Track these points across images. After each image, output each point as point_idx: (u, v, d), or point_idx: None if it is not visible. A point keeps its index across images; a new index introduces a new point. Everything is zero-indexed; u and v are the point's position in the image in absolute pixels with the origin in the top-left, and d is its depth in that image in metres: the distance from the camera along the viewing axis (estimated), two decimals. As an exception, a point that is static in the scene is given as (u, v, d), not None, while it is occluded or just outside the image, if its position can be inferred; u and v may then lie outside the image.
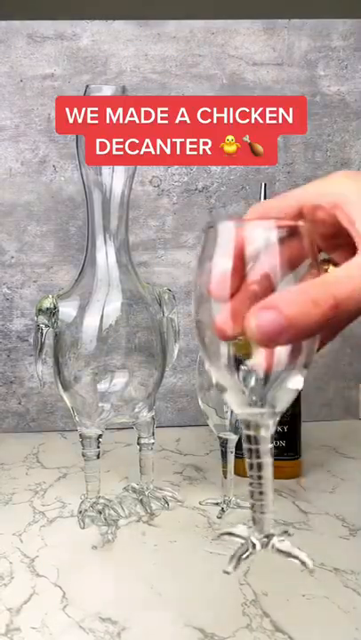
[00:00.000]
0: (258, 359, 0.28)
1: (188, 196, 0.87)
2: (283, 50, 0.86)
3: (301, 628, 0.39)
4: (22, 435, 0.85)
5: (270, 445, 0.32)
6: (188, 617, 0.40)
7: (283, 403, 0.30)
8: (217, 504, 0.58)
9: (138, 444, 0.60)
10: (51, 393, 0.86)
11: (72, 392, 0.55)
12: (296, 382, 0.28)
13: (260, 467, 0.32)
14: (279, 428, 0.63)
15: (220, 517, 0.55)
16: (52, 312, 0.54)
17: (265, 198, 0.67)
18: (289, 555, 0.32)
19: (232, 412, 0.55)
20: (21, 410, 0.87)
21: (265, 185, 0.66)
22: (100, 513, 0.55)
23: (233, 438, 0.56)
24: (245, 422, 0.30)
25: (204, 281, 0.28)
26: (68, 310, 0.54)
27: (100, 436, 0.57)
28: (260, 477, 0.32)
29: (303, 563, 0.31)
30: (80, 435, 0.56)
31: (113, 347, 0.54)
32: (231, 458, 0.57)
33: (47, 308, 0.55)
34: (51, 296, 0.55)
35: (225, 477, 0.57)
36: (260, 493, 0.32)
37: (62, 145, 0.85)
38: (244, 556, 0.32)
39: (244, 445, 0.31)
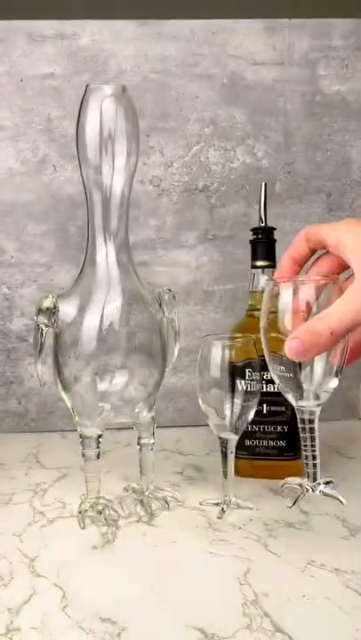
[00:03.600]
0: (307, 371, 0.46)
1: (188, 196, 0.87)
2: (283, 49, 0.86)
3: (302, 628, 0.39)
4: (22, 435, 0.85)
5: (317, 421, 0.47)
6: (189, 617, 0.40)
7: (325, 397, 0.47)
8: (217, 504, 0.57)
9: (138, 444, 0.60)
10: (50, 393, 0.86)
11: (72, 392, 0.55)
12: (333, 383, 0.46)
13: (312, 438, 0.48)
14: (279, 428, 0.63)
15: (220, 517, 0.55)
16: (52, 312, 0.54)
17: (265, 198, 0.67)
18: (330, 495, 0.47)
19: (232, 412, 0.55)
20: (21, 410, 0.87)
21: (265, 185, 0.66)
22: (101, 513, 0.55)
23: (233, 438, 0.56)
24: (304, 411, 0.47)
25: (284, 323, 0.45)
26: (68, 310, 0.54)
27: (99, 436, 0.56)
28: (313, 445, 0.48)
29: (341, 501, 0.47)
30: (80, 435, 0.56)
31: (113, 347, 0.53)
32: (231, 458, 0.57)
33: (47, 308, 0.54)
34: (51, 296, 0.55)
35: (225, 477, 0.57)
36: (313, 457, 0.48)
37: (62, 145, 0.85)
38: (302, 496, 0.48)
39: (300, 425, 0.48)
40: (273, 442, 0.64)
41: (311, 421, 0.47)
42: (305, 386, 0.46)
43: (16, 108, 0.84)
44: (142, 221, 0.86)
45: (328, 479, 0.48)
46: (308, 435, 0.47)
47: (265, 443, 0.64)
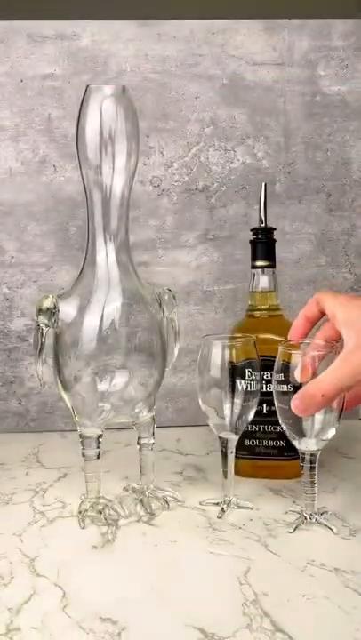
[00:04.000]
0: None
1: (188, 196, 0.87)
2: (283, 50, 0.86)
3: (301, 627, 0.39)
4: (22, 435, 0.85)
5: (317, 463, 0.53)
6: (189, 617, 0.40)
7: (323, 442, 0.53)
8: (217, 504, 0.57)
9: (138, 443, 0.60)
10: (51, 393, 0.86)
11: (72, 392, 0.55)
12: (331, 433, 0.52)
13: (312, 475, 0.53)
14: (279, 428, 0.63)
15: (220, 517, 0.55)
16: (53, 312, 0.54)
17: (265, 198, 0.67)
18: (324, 524, 0.53)
19: (232, 412, 0.55)
20: (21, 410, 0.87)
21: (265, 185, 0.66)
22: (101, 513, 0.55)
23: (233, 438, 0.56)
24: (307, 453, 0.53)
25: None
26: (68, 310, 0.54)
27: (100, 436, 0.56)
28: (312, 481, 0.53)
29: (332, 530, 0.52)
30: (80, 435, 0.56)
31: (113, 347, 0.54)
32: (231, 458, 0.57)
33: (47, 308, 0.54)
34: (51, 296, 0.55)
35: (225, 477, 0.57)
36: (312, 492, 0.54)
37: (62, 145, 0.85)
38: (301, 524, 0.53)
39: (301, 464, 0.54)
40: (273, 442, 0.64)
41: (313, 461, 0.53)
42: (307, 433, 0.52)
43: (16, 108, 0.84)
44: (142, 221, 0.87)
45: (323, 510, 0.55)
46: (311, 472, 0.53)
47: (265, 442, 0.64)
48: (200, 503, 0.58)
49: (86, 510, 0.55)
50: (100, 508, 0.56)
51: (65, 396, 0.56)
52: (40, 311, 0.54)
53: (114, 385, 0.54)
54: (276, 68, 0.86)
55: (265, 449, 0.64)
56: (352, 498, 0.60)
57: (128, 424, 0.59)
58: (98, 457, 0.56)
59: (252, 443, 0.64)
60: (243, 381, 0.55)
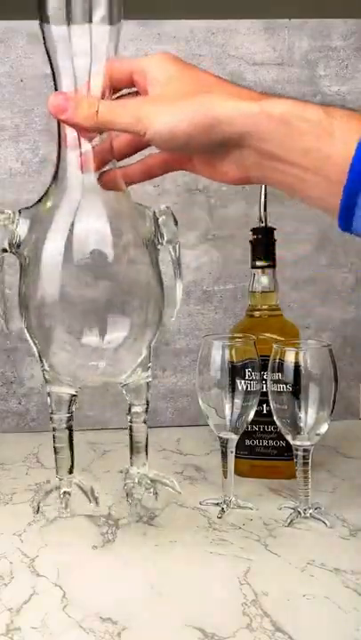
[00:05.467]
0: None
1: (189, 196, 0.87)
2: (283, 50, 0.86)
3: (302, 627, 0.39)
4: (22, 435, 0.85)
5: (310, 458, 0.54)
6: (189, 617, 0.40)
7: (316, 438, 0.54)
8: (217, 504, 0.57)
9: (128, 413, 0.52)
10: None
11: (43, 340, 0.45)
12: (324, 428, 0.53)
13: (305, 471, 0.54)
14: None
15: (220, 517, 0.55)
16: (11, 232, 0.45)
17: (265, 198, 0.67)
18: (318, 519, 0.53)
19: (232, 412, 0.55)
20: (21, 410, 0.87)
21: (265, 185, 0.66)
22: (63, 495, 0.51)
23: (233, 438, 0.56)
24: (300, 448, 0.54)
25: None
26: (25, 230, 0.46)
27: (73, 397, 0.48)
28: (305, 477, 0.54)
29: (325, 523, 0.52)
30: (48, 394, 0.48)
31: (93, 283, 0.44)
32: (231, 458, 0.57)
33: (3, 226, 0.45)
34: (9, 211, 0.46)
35: (225, 477, 0.57)
36: (305, 488, 0.54)
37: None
38: (295, 518, 0.53)
39: (300, 462, 0.54)
40: (273, 442, 0.64)
41: (306, 457, 0.54)
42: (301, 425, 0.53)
43: (16, 108, 0.84)
44: (142, 221, 0.87)
45: (317, 505, 0.55)
46: (304, 468, 0.54)
47: (265, 442, 0.64)
48: (200, 503, 0.58)
49: (50, 492, 0.51)
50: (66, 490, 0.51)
51: (33, 344, 0.47)
52: None
53: (98, 334, 0.43)
54: (276, 68, 0.86)
55: (265, 449, 0.64)
56: (352, 498, 0.60)
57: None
58: (68, 426, 0.49)
59: (253, 443, 0.64)
60: (243, 381, 0.55)
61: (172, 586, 0.44)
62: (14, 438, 0.83)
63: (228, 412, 0.55)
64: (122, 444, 0.76)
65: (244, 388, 0.55)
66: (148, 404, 0.52)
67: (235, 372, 0.55)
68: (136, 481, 0.55)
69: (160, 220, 0.50)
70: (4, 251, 0.46)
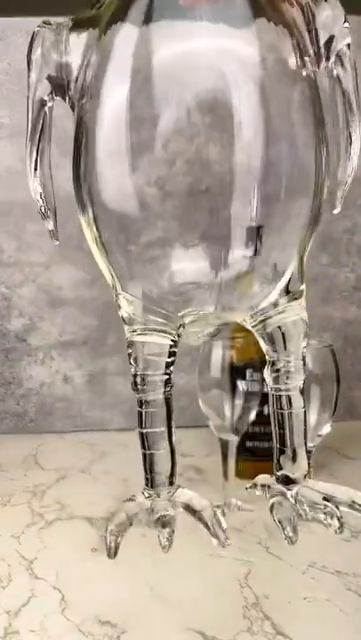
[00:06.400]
0: None
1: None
2: (283, 49, 0.86)
3: (303, 630, 0.38)
4: (21, 436, 0.85)
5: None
6: (189, 620, 0.39)
7: (318, 439, 0.53)
8: (218, 506, 0.57)
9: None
10: (50, 393, 0.86)
11: (119, 256, 0.29)
12: (325, 429, 0.54)
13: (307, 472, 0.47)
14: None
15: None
16: (60, 64, 0.26)
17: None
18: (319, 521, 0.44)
19: (232, 413, 0.55)
20: (20, 411, 0.87)
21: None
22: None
23: (234, 440, 0.56)
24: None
25: None
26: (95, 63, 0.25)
27: (172, 347, 0.30)
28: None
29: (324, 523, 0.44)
30: (129, 347, 0.30)
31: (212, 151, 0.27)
32: (232, 460, 0.56)
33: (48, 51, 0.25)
34: (55, 23, 0.25)
35: (226, 479, 0.57)
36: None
37: (62, 144, 0.84)
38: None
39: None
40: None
41: (308, 458, 0.45)
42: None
43: (15, 106, 0.83)
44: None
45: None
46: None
47: (266, 444, 0.64)
48: (200, 505, 0.58)
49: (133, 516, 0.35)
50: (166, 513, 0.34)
51: (103, 261, 0.30)
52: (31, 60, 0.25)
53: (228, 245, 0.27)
54: (276, 67, 0.86)
55: (266, 450, 0.64)
56: (353, 499, 0.59)
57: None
58: (167, 398, 0.31)
59: (254, 444, 0.64)
60: (243, 382, 0.54)
61: (171, 588, 0.44)
62: (12, 439, 0.83)
63: (228, 413, 0.55)
64: (122, 446, 0.76)
65: (245, 388, 0.54)
66: (304, 360, 0.33)
67: (235, 372, 0.54)
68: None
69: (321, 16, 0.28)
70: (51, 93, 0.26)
